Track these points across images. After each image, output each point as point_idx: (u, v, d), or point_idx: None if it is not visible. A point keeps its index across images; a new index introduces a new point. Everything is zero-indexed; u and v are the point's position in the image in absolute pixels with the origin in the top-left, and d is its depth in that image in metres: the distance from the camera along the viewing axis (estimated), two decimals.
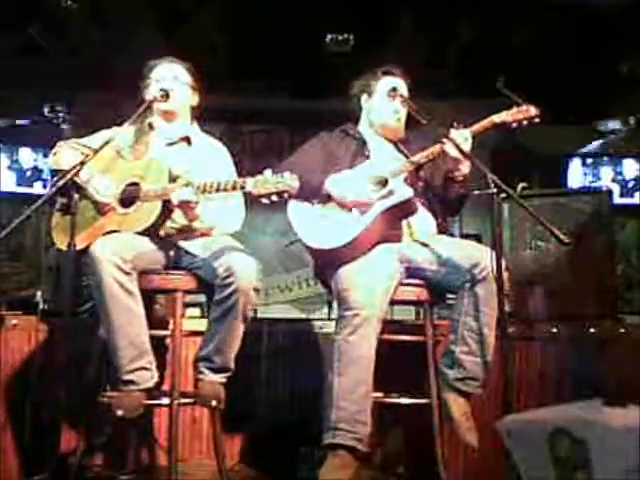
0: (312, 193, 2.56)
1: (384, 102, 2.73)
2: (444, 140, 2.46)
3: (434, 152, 2.54)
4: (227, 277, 2.38)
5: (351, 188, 2.53)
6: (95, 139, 2.66)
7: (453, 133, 2.45)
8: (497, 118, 2.52)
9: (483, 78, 4.69)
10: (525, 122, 2.50)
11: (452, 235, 2.78)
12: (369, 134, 2.78)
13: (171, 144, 2.73)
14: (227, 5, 4.38)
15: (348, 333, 2.36)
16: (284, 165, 2.63)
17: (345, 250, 2.48)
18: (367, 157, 2.69)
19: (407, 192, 2.52)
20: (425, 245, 2.57)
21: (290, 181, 2.25)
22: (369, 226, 2.50)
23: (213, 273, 2.42)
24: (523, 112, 2.49)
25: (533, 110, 2.50)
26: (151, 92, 2.67)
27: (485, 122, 2.54)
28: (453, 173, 2.57)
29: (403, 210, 2.54)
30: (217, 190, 2.39)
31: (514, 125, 2.52)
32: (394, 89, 2.68)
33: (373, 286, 2.41)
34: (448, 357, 2.46)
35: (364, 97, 2.79)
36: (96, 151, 2.39)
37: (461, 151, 2.42)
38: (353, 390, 2.34)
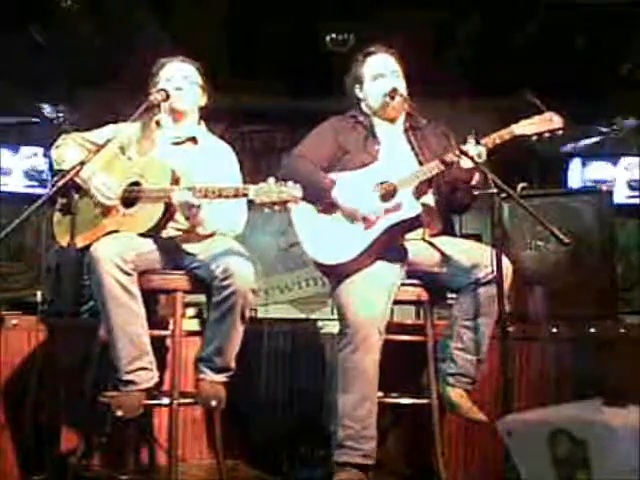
0: (317, 197, 2.51)
1: (374, 84, 2.66)
2: (458, 153, 2.36)
3: (447, 162, 2.42)
4: (225, 279, 2.38)
5: (359, 199, 2.46)
6: (100, 134, 2.65)
7: (468, 146, 2.34)
8: (517, 129, 2.37)
9: (483, 77, 4.72)
10: (547, 135, 2.36)
11: (454, 235, 2.77)
12: (377, 122, 2.69)
13: (177, 143, 2.72)
14: (227, 5, 4.38)
15: (351, 351, 2.34)
16: (294, 154, 2.62)
17: (348, 265, 2.44)
18: (377, 147, 2.61)
19: (415, 209, 2.44)
20: (430, 244, 2.55)
21: (293, 191, 2.24)
22: (374, 241, 2.45)
23: (211, 274, 2.42)
24: (546, 122, 2.34)
25: (557, 120, 2.34)
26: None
27: (504, 133, 2.39)
28: (460, 183, 2.51)
29: (409, 225, 2.48)
30: (219, 196, 2.38)
31: (534, 138, 2.37)
32: (380, 75, 2.63)
33: (374, 300, 2.38)
34: (441, 350, 2.48)
35: (357, 88, 2.72)
36: (97, 151, 2.38)
37: (476, 164, 2.31)
38: (358, 407, 2.34)
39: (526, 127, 2.38)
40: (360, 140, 2.64)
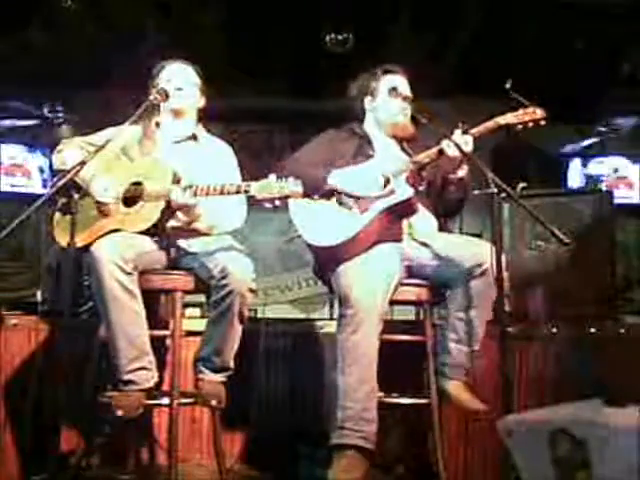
0: (314, 187, 2.54)
1: (390, 101, 2.70)
2: (444, 141, 2.45)
3: (435, 153, 2.52)
4: (222, 278, 2.38)
5: (354, 182, 2.53)
6: (101, 137, 2.66)
7: (454, 135, 2.43)
8: (502, 120, 2.48)
9: (483, 76, 4.72)
10: (530, 124, 2.46)
11: (448, 231, 2.78)
12: (375, 133, 2.75)
13: (178, 142, 2.73)
14: (227, 5, 4.38)
15: (350, 332, 2.35)
16: (290, 159, 2.66)
17: (344, 247, 2.48)
18: (371, 156, 2.67)
19: (408, 192, 2.52)
20: (425, 244, 2.58)
21: (294, 186, 2.26)
22: (369, 224, 2.50)
23: (209, 274, 2.43)
24: (529, 114, 2.44)
25: (539, 112, 2.45)
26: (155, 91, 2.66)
27: (489, 123, 2.49)
28: (450, 176, 2.57)
29: (403, 209, 2.55)
30: (221, 193, 2.39)
31: (519, 127, 2.47)
32: (394, 88, 2.67)
33: (373, 284, 2.41)
34: (439, 344, 2.52)
35: (367, 99, 2.76)
36: (96, 151, 2.38)
37: (462, 152, 2.40)
38: (357, 389, 2.34)
39: (509, 118, 2.48)
40: (355, 147, 2.70)
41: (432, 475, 2.58)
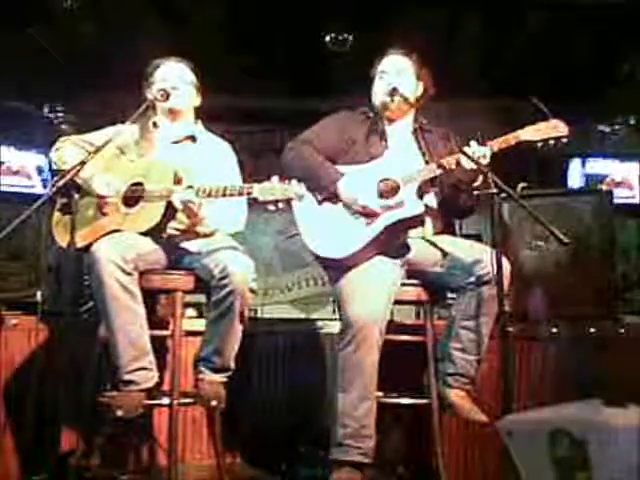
0: (323, 187, 2.53)
1: (378, 82, 2.68)
2: (461, 153, 2.38)
3: (451, 163, 2.44)
4: (223, 278, 2.38)
5: (362, 193, 2.47)
6: (98, 135, 2.66)
7: (473, 147, 2.38)
8: (524, 135, 2.41)
9: (481, 77, 4.73)
10: (552, 142, 2.40)
11: (453, 235, 2.77)
12: (386, 123, 2.70)
13: (176, 142, 2.73)
14: (227, 4, 4.38)
15: (352, 350, 2.34)
16: (299, 139, 2.63)
17: (347, 259, 2.45)
18: (385, 143, 2.62)
19: (417, 208, 2.46)
20: (431, 243, 2.56)
21: (297, 189, 2.25)
22: (374, 239, 2.46)
23: (210, 274, 2.43)
24: (551, 130, 2.39)
25: (562, 128, 2.39)
26: (154, 91, 2.66)
27: (510, 137, 2.43)
28: (463, 185, 2.53)
29: (410, 223, 2.50)
30: (223, 195, 2.38)
31: (540, 144, 2.41)
32: (394, 89, 2.64)
33: (375, 300, 2.38)
34: (440, 350, 2.49)
35: (372, 87, 2.73)
36: (97, 151, 2.38)
37: (479, 166, 2.32)
38: (357, 406, 2.34)
39: (532, 133, 2.42)
40: (368, 134, 2.66)
41: (432, 475, 2.58)
